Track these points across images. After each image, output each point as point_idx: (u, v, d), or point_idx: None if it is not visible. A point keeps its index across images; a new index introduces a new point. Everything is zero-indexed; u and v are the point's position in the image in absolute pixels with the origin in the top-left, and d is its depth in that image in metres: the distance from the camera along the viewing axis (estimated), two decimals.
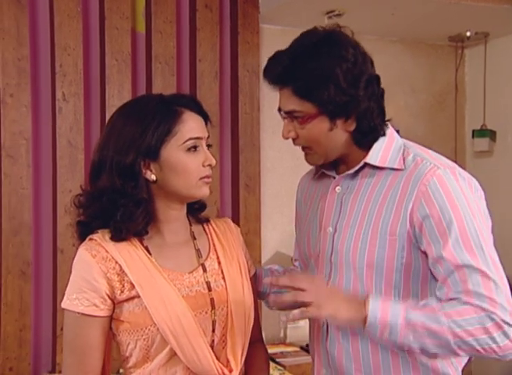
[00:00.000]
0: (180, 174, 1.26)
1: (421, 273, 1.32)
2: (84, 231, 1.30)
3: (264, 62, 3.07)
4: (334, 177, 1.46)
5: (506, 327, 1.20)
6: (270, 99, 3.36)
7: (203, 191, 1.29)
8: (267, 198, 3.22)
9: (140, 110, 1.28)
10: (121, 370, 2.53)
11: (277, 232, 3.28)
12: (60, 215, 2.67)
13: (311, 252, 1.47)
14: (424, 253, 1.30)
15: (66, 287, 2.62)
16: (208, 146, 1.32)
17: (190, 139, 1.27)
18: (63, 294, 2.60)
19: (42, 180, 2.70)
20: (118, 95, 2.77)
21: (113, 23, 2.78)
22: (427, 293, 1.32)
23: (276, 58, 1.35)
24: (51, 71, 2.70)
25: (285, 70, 1.32)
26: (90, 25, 2.77)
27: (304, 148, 1.41)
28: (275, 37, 3.28)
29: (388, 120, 1.40)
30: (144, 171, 1.26)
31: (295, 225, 1.67)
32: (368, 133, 1.36)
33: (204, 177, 1.28)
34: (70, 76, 2.70)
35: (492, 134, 3.52)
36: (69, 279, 2.61)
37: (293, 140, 1.39)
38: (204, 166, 1.29)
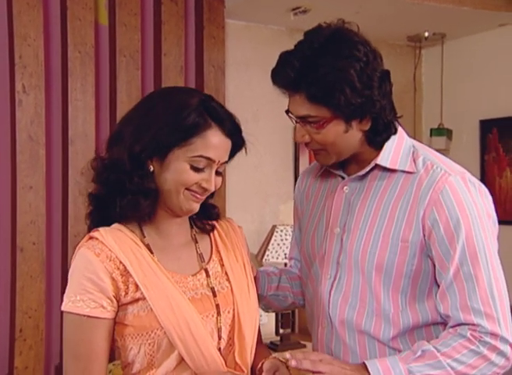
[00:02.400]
0: (174, 179, 1.21)
1: (429, 279, 1.32)
2: (95, 201, 1.25)
3: (229, 58, 3.03)
4: (342, 177, 1.43)
5: (500, 345, 1.24)
6: (235, 95, 3.35)
7: (190, 205, 1.23)
8: (231, 196, 3.19)
9: (178, 103, 1.21)
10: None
11: None
12: (20, 212, 2.56)
13: (315, 252, 1.44)
14: (433, 260, 1.30)
15: (25, 287, 2.55)
16: (217, 173, 1.24)
17: (201, 156, 1.20)
18: (22, 296, 2.55)
19: (1, 175, 2.57)
20: (81, 88, 2.68)
21: (75, 13, 2.68)
22: (432, 297, 1.32)
23: (285, 62, 1.29)
24: (9, 62, 2.57)
25: (297, 76, 1.26)
26: (51, 15, 2.66)
27: (314, 150, 1.37)
28: (240, 32, 3.26)
29: (399, 117, 1.39)
30: (146, 160, 1.22)
31: (294, 223, 1.63)
32: (382, 131, 1.34)
33: (192, 191, 1.22)
34: (31, 68, 2.59)
35: (448, 133, 3.61)
36: (28, 279, 2.54)
37: (306, 144, 1.35)
38: (200, 185, 1.22)
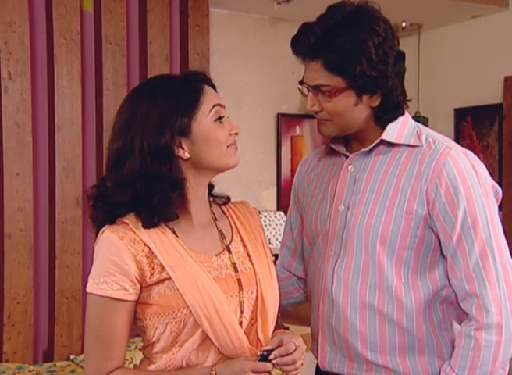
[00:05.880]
0: (213, 144, 1.26)
1: (431, 251, 1.37)
2: (108, 218, 1.25)
3: (212, 46, 3.02)
4: (346, 156, 1.47)
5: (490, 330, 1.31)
6: (218, 83, 3.37)
7: (235, 159, 1.30)
8: (213, 182, 3.24)
9: (165, 90, 1.27)
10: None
11: None
12: (7, 199, 2.56)
13: (319, 230, 1.48)
14: (437, 233, 1.35)
15: (13, 273, 2.55)
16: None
17: (215, 105, 1.27)
18: (10, 282, 2.56)
19: None
20: (67, 76, 2.69)
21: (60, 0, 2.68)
22: (434, 269, 1.37)
23: (307, 29, 1.33)
24: None
25: (317, 42, 1.31)
26: (36, 1, 2.66)
27: (321, 119, 1.41)
28: (223, 21, 3.29)
29: (409, 100, 1.43)
30: (177, 150, 1.24)
31: (290, 211, 1.65)
32: (390, 111, 1.38)
33: (231, 145, 1.29)
34: (16, 54, 2.58)
35: (425, 121, 3.71)
36: (16, 265, 2.55)
37: (316, 113, 1.39)
38: (230, 134, 1.29)
